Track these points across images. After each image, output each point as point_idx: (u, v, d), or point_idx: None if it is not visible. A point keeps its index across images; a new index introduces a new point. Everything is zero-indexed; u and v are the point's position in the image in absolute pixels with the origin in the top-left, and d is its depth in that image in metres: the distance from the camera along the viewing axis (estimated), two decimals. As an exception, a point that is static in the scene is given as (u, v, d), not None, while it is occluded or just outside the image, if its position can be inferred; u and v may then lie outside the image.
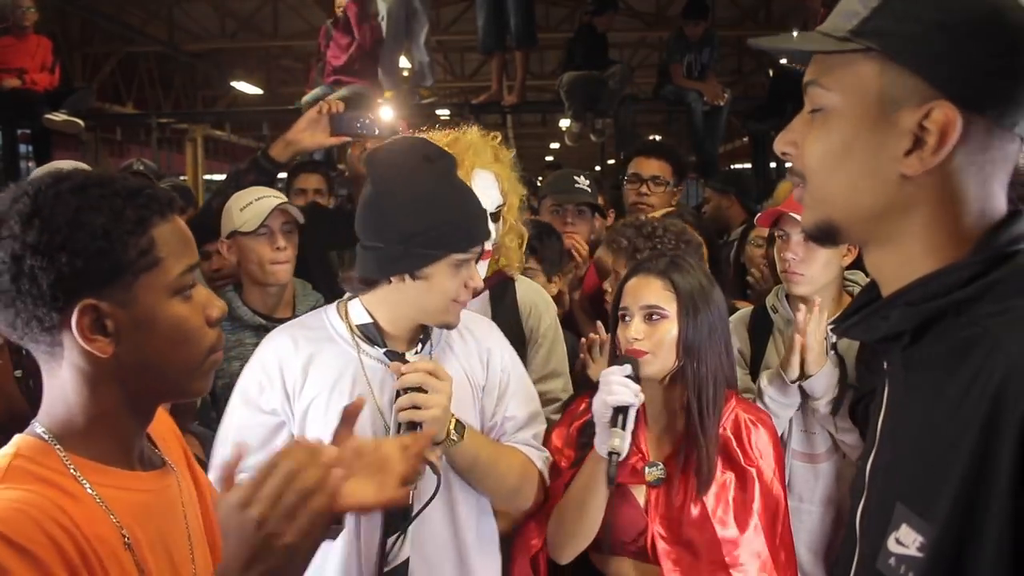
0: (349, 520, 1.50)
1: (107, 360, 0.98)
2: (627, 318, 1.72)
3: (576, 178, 2.85)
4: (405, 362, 1.58)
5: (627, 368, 1.61)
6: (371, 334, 1.61)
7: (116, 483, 1.01)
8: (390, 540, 1.55)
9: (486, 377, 1.70)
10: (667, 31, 7.32)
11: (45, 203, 0.95)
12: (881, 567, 0.79)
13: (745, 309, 2.35)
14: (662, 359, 1.69)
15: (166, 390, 1.06)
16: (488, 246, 1.86)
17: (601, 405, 1.59)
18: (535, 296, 2.18)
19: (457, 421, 1.55)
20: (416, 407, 1.48)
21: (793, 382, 1.99)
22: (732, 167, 9.96)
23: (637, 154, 3.25)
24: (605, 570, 1.73)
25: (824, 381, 1.99)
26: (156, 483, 1.08)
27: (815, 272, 2.05)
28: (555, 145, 16.74)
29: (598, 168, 9.85)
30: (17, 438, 1.00)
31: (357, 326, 1.61)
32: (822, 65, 0.84)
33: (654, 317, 1.69)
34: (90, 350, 0.96)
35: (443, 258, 1.54)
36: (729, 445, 1.73)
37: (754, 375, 2.14)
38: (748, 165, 8.06)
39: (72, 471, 0.98)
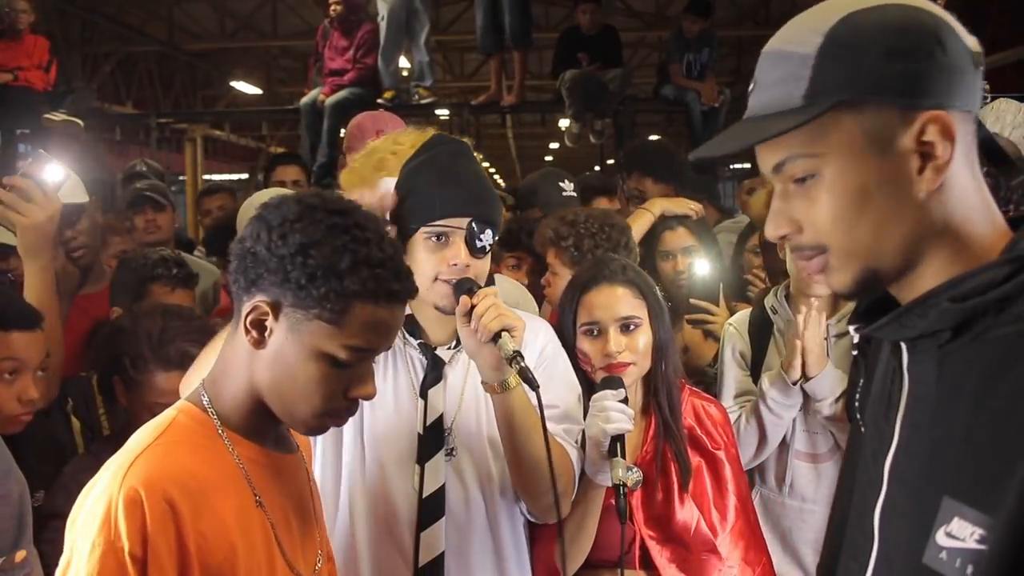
0: (380, 516, 1.57)
1: (257, 355, 1.10)
2: (596, 332, 1.70)
3: (561, 184, 2.82)
4: (439, 358, 1.61)
5: (621, 392, 1.60)
6: (409, 325, 1.62)
7: (253, 456, 1.14)
8: (423, 534, 1.55)
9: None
10: (666, 31, 7.31)
11: (304, 219, 1.06)
12: (930, 562, 0.79)
13: (745, 311, 2.36)
14: (640, 366, 1.71)
15: (276, 408, 1.13)
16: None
17: (599, 433, 1.56)
18: (517, 295, 2.18)
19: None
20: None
21: (795, 383, 1.99)
22: (732, 168, 9.94)
23: (641, 173, 3.13)
24: None
25: (827, 383, 2.00)
26: (288, 464, 1.21)
27: None
28: (555, 145, 16.73)
29: (597, 168, 9.84)
30: (181, 402, 1.16)
31: None
32: (792, 140, 0.86)
33: (631, 327, 1.69)
34: (244, 335, 1.09)
35: (415, 233, 1.54)
36: (693, 432, 1.74)
37: (755, 377, 2.14)
38: (747, 165, 8.06)
39: (222, 438, 1.12)
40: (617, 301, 1.70)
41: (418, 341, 1.62)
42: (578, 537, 1.64)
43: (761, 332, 2.21)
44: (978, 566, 0.75)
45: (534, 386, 1.40)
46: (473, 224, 1.53)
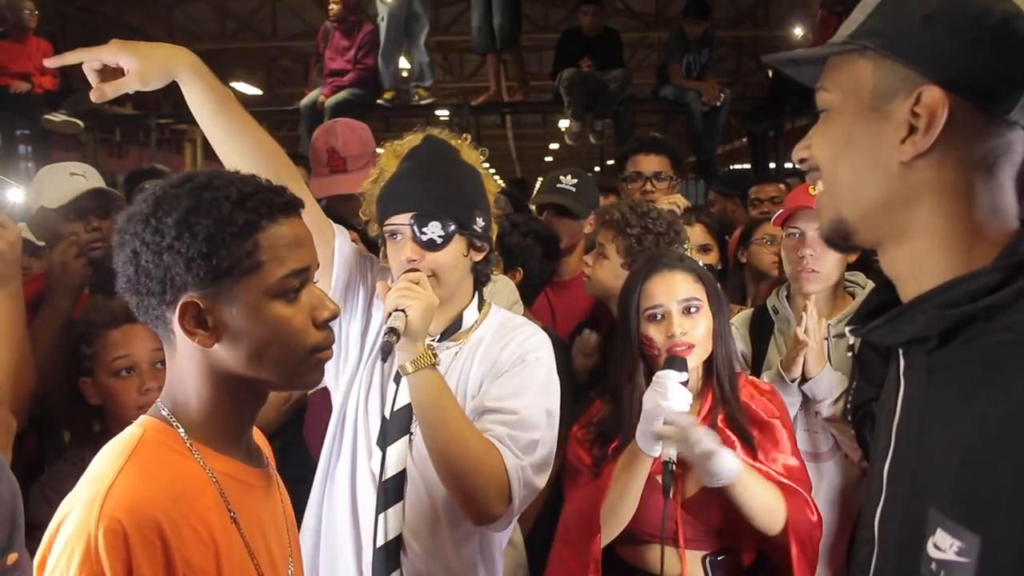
0: (348, 497, 1.63)
1: (211, 351, 1.04)
2: (659, 316, 1.73)
3: (561, 178, 2.79)
4: (432, 348, 1.60)
5: (684, 375, 1.62)
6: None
7: (226, 469, 1.07)
8: (381, 516, 1.59)
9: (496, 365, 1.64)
10: (666, 31, 7.31)
11: (163, 204, 1.02)
12: (924, 573, 0.78)
13: (747, 310, 2.35)
14: (703, 349, 1.73)
15: (268, 383, 1.10)
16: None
17: (656, 407, 1.58)
18: (510, 295, 2.21)
19: (434, 352, 1.54)
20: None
21: (793, 381, 1.99)
22: (732, 167, 9.94)
23: (635, 151, 3.17)
24: (634, 560, 1.73)
25: (825, 383, 1.99)
26: (262, 480, 1.14)
27: (829, 269, 2.06)
28: (555, 145, 16.72)
29: (597, 169, 9.84)
30: (143, 418, 1.08)
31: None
32: (827, 71, 0.90)
33: (692, 310, 1.73)
34: (192, 342, 1.03)
35: (383, 233, 1.64)
36: (749, 408, 1.78)
37: (755, 375, 2.14)
38: (747, 166, 8.05)
39: (192, 452, 1.05)
40: (678, 285, 1.74)
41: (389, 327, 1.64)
42: (618, 507, 1.65)
43: (762, 332, 2.21)
44: None
45: (383, 356, 1.46)
46: (413, 219, 1.58)
